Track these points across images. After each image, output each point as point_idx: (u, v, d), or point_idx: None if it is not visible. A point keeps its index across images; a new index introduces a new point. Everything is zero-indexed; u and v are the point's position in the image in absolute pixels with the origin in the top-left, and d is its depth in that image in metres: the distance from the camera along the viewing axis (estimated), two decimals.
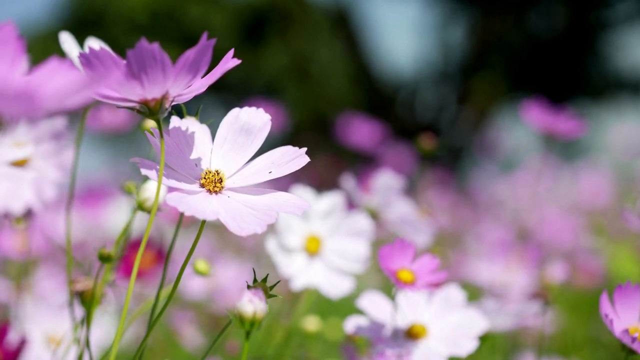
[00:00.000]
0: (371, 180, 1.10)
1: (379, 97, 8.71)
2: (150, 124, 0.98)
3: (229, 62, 0.61)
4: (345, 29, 8.94)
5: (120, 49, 0.79)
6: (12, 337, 0.89)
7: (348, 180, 1.09)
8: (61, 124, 0.95)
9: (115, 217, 2.14)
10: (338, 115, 3.76)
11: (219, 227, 2.48)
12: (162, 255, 1.28)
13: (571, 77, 8.59)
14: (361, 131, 3.11)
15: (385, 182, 1.09)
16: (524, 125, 1.76)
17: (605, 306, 0.76)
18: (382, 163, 3.09)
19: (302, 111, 7.78)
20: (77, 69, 0.48)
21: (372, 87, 8.84)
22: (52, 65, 0.48)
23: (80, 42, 0.83)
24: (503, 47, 8.73)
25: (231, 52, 0.61)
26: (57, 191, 0.93)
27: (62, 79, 0.47)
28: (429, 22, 9.28)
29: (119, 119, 2.00)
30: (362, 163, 3.83)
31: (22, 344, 0.90)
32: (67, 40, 0.79)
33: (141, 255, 1.22)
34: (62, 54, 0.69)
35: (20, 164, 0.94)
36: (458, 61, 8.96)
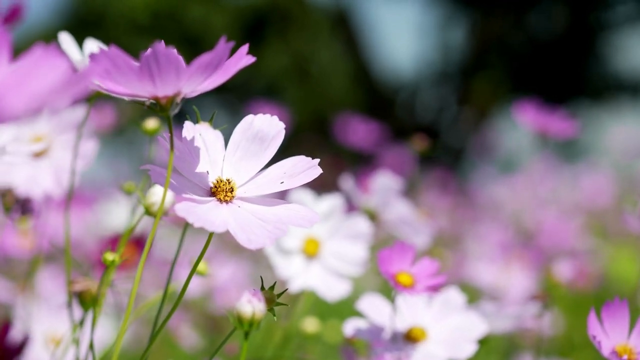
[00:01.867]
0: (370, 180, 1.10)
1: (379, 98, 8.70)
2: (152, 125, 0.97)
3: (243, 59, 0.60)
4: (346, 30, 8.94)
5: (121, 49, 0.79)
6: (14, 336, 0.89)
7: (347, 181, 1.09)
8: (82, 115, 0.95)
9: (113, 217, 2.14)
10: (337, 115, 3.77)
11: None
12: (142, 247, 1.28)
13: (571, 79, 8.59)
14: (359, 131, 3.11)
15: (384, 182, 1.08)
16: (523, 126, 1.76)
17: (593, 327, 0.73)
18: (381, 164, 3.09)
19: (302, 112, 7.77)
20: (63, 58, 0.44)
21: (372, 88, 8.84)
22: (34, 57, 0.43)
23: (81, 42, 0.83)
24: (503, 48, 8.73)
25: (244, 48, 0.60)
26: (76, 179, 0.93)
27: (45, 74, 0.42)
28: (429, 23, 9.29)
29: (109, 119, 1.99)
30: (362, 164, 3.83)
31: (24, 342, 0.90)
32: (66, 40, 0.78)
33: (129, 251, 1.23)
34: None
35: (40, 152, 0.94)
36: (458, 62, 8.96)
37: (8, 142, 0.86)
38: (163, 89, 0.58)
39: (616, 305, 0.75)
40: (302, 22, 8.62)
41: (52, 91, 0.42)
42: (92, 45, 0.84)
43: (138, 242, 1.27)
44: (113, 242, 1.23)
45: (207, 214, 0.59)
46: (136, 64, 0.56)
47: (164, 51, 0.55)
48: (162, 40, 0.55)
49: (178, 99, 0.61)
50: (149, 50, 0.55)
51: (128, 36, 7.36)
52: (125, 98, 0.61)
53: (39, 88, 0.42)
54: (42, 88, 0.42)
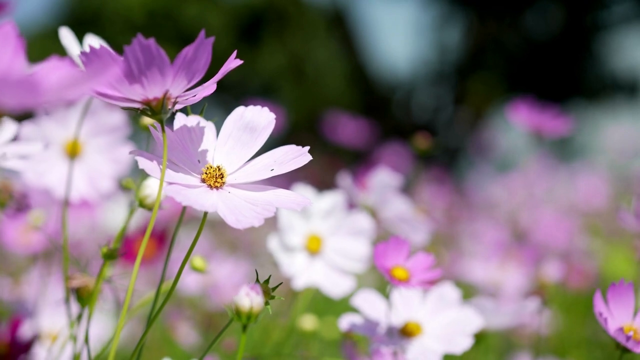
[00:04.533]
0: (368, 178, 1.10)
1: (375, 98, 8.71)
2: (149, 120, 0.98)
3: (232, 62, 0.62)
4: (342, 30, 8.94)
5: (116, 48, 0.79)
6: (23, 332, 0.90)
7: (345, 179, 1.09)
8: (119, 119, 0.96)
9: (113, 214, 2.14)
10: (327, 113, 3.78)
11: (214, 225, 2.48)
12: (163, 242, 1.29)
13: (567, 79, 8.61)
14: (348, 129, 3.12)
15: (382, 180, 1.09)
16: (517, 126, 1.77)
17: (599, 305, 0.75)
18: (378, 162, 3.09)
19: (298, 111, 7.78)
20: (76, 66, 0.48)
21: (369, 88, 8.85)
22: (52, 63, 0.49)
23: (77, 40, 0.83)
24: (499, 48, 8.74)
25: (234, 53, 0.62)
26: (112, 183, 0.94)
27: (62, 74, 0.48)
28: (426, 22, 9.30)
29: None
30: (359, 162, 3.84)
31: (33, 339, 0.90)
32: (66, 36, 0.80)
33: (150, 246, 1.23)
34: (59, 53, 0.69)
35: (73, 155, 0.95)
36: (454, 62, 8.97)
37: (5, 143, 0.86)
38: (151, 88, 0.59)
39: (622, 287, 0.76)
40: (298, 22, 8.63)
41: (65, 87, 0.47)
42: (92, 42, 0.84)
43: (160, 237, 1.27)
44: (134, 237, 1.24)
45: (197, 197, 0.60)
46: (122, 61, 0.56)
47: (144, 43, 0.56)
48: (140, 34, 0.56)
49: (169, 103, 0.61)
50: (130, 45, 0.56)
51: (124, 35, 7.36)
52: (119, 104, 0.61)
53: (56, 84, 0.47)
54: (58, 84, 0.47)
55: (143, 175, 0.80)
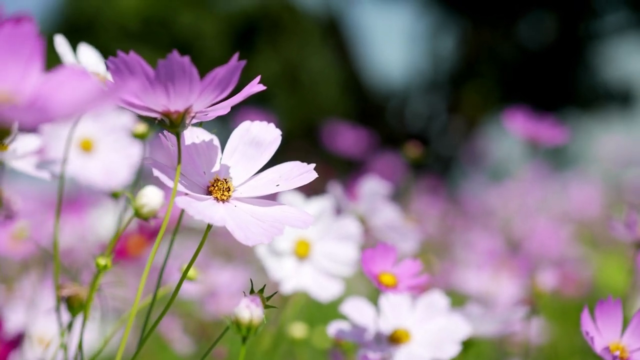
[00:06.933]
0: (358, 187, 1.10)
1: (369, 106, 8.73)
2: (141, 129, 0.99)
3: (255, 86, 0.63)
4: (336, 38, 8.96)
5: (110, 55, 0.79)
6: (9, 331, 0.89)
7: (335, 187, 1.09)
8: (130, 119, 1.01)
9: (103, 221, 2.14)
10: (326, 122, 3.78)
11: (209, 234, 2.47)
12: (153, 238, 1.29)
13: (560, 88, 8.63)
14: (347, 138, 3.12)
15: (372, 188, 1.09)
16: (513, 134, 1.77)
17: (586, 323, 0.74)
18: (370, 170, 3.10)
19: (292, 119, 7.79)
20: (90, 77, 0.46)
21: (363, 96, 8.86)
22: (65, 73, 0.45)
23: (72, 48, 0.83)
24: (493, 57, 8.76)
25: (258, 77, 0.63)
26: (129, 174, 1.00)
27: (76, 87, 0.45)
28: (420, 31, 9.32)
29: None
30: (352, 171, 3.84)
31: (19, 338, 0.89)
32: (61, 44, 0.80)
33: (135, 242, 1.25)
34: (53, 60, 0.69)
35: (87, 149, 1.00)
36: (448, 71, 8.99)
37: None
38: (175, 102, 0.59)
39: (610, 304, 0.75)
40: (292, 30, 8.64)
41: (81, 103, 0.44)
42: (86, 51, 0.85)
43: (150, 235, 1.27)
44: (127, 237, 1.24)
45: (205, 210, 0.60)
46: (152, 72, 0.57)
47: (178, 60, 0.56)
48: (176, 50, 0.56)
49: (188, 118, 0.62)
50: (165, 59, 0.56)
51: (118, 42, 7.36)
52: (138, 112, 0.61)
53: (70, 99, 0.44)
54: (73, 100, 0.44)
55: (135, 184, 0.80)
